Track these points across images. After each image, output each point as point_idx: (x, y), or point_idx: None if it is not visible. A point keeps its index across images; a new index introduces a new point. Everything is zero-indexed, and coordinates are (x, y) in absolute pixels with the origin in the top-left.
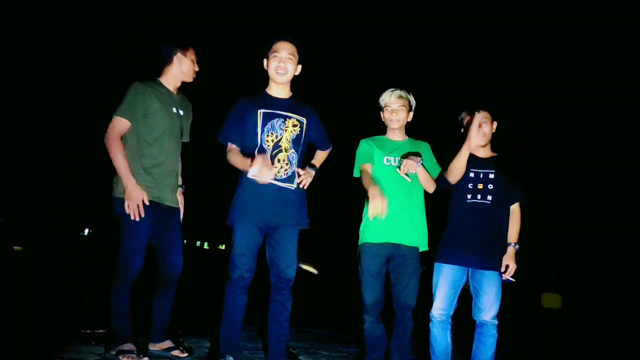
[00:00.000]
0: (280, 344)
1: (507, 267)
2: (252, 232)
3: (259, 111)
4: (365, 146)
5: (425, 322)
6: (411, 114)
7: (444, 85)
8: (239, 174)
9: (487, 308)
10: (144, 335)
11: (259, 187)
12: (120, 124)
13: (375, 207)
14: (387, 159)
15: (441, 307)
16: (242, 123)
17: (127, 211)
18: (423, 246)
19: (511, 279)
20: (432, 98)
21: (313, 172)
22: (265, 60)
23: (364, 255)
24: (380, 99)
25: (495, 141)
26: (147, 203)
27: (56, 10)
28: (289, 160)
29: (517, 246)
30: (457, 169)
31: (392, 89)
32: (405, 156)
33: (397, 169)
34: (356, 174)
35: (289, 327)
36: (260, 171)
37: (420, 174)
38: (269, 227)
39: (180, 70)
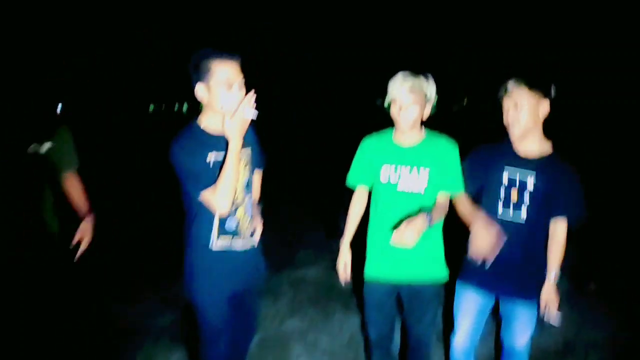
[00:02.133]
0: None
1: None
2: (222, 304)
3: (209, 153)
4: (363, 154)
5: (447, 348)
6: (429, 107)
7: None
8: (189, 238)
9: (517, 334)
10: None
11: (224, 254)
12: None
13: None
14: (386, 174)
15: (464, 336)
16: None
17: None
18: (440, 279)
19: (555, 319)
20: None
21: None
22: (202, 85)
23: (365, 287)
24: (388, 89)
25: (548, 129)
26: None
27: (67, 14)
28: (246, 211)
29: (559, 274)
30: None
31: (403, 77)
32: (404, 221)
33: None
34: (348, 183)
35: None
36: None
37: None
38: (237, 292)
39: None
